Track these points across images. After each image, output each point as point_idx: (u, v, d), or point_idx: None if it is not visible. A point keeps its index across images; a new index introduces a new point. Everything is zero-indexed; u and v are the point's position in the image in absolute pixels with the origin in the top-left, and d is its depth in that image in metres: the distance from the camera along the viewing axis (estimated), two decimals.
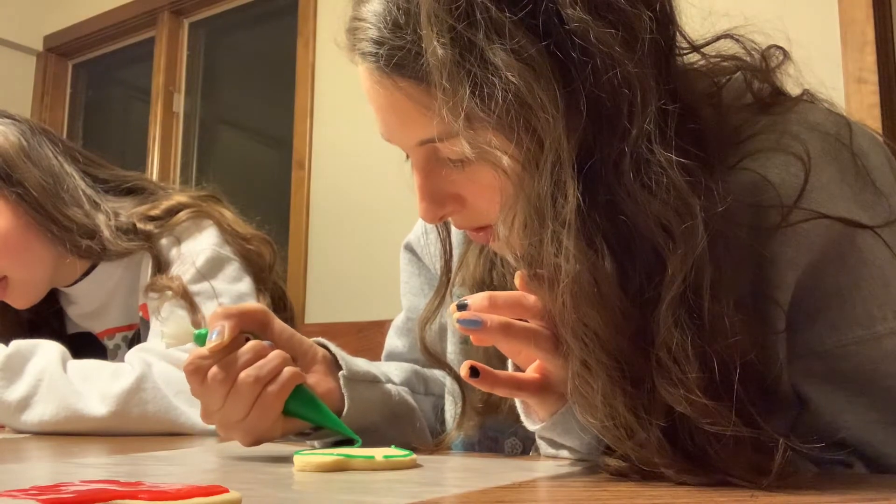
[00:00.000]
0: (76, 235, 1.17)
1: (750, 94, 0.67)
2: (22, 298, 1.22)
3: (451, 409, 0.86)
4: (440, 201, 0.66)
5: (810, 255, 0.62)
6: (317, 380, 0.78)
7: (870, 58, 1.87)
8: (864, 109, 1.83)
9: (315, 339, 0.81)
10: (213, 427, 1.05)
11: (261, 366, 0.71)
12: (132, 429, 1.04)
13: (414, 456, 0.64)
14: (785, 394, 0.65)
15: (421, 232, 0.95)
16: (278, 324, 0.77)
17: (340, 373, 0.78)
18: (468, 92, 0.56)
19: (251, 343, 0.72)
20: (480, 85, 0.56)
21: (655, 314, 0.55)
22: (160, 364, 1.07)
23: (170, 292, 1.13)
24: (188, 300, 1.13)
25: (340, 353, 0.80)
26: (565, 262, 0.55)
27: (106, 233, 1.18)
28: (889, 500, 0.48)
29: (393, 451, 0.65)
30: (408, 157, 0.68)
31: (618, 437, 0.56)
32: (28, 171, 1.18)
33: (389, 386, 0.84)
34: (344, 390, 0.78)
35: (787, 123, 0.65)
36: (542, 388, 0.62)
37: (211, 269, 1.17)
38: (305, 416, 0.74)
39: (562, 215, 0.55)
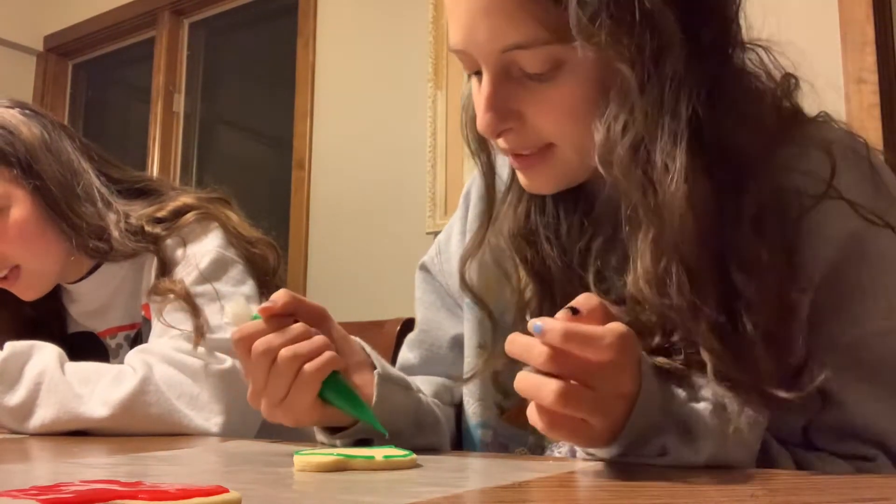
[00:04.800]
0: (85, 234, 1.17)
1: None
2: (31, 289, 1.22)
3: (470, 391, 0.87)
4: (503, 115, 0.70)
5: (833, 251, 0.67)
6: (363, 381, 0.78)
7: (870, 58, 1.87)
8: (864, 109, 1.83)
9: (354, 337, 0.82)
10: (214, 430, 1.05)
11: (301, 344, 0.73)
12: (134, 431, 1.04)
13: (414, 456, 0.64)
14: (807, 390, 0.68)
15: (434, 253, 0.98)
16: (336, 324, 0.79)
17: (375, 371, 0.78)
18: None
19: (298, 325, 0.74)
20: None
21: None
22: (161, 367, 1.07)
23: (172, 295, 1.13)
24: (190, 303, 1.12)
25: (376, 356, 0.81)
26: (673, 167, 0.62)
27: (115, 233, 1.17)
28: (889, 499, 0.48)
29: (393, 451, 0.65)
30: (469, 76, 0.71)
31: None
32: (48, 165, 1.18)
33: (420, 395, 0.84)
34: (375, 387, 0.77)
35: (807, 137, 0.70)
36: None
37: (214, 272, 1.17)
38: (340, 404, 0.75)
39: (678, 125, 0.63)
